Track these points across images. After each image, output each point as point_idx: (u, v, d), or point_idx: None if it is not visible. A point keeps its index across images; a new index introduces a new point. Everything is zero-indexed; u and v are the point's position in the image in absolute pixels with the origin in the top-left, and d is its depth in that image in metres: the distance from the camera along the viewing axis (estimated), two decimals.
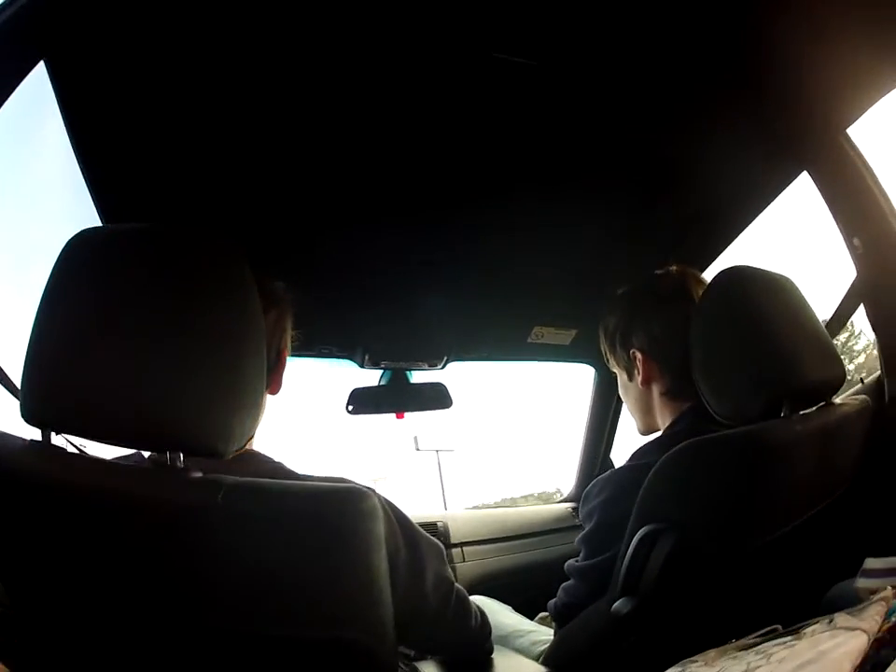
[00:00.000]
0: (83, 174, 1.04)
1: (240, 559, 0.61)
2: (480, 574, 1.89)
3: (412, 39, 0.93)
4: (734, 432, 0.89)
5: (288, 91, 0.98)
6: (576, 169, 1.24)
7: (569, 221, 1.39)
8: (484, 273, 1.53)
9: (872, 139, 1.13)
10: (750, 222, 1.41)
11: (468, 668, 1.05)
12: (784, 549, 0.94)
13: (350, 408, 1.78)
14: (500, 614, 1.48)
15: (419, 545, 0.83)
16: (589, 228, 1.42)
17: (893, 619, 0.59)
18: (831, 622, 0.61)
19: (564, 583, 1.14)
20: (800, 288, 0.99)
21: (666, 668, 0.70)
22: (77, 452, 0.65)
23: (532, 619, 1.50)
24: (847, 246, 1.14)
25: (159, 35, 0.87)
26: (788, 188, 1.32)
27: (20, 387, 0.61)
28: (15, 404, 0.63)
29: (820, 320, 1.01)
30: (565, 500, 2.29)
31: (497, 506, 2.45)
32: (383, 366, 1.78)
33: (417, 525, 0.84)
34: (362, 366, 1.76)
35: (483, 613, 1.02)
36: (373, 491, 0.71)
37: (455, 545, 1.92)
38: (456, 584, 0.92)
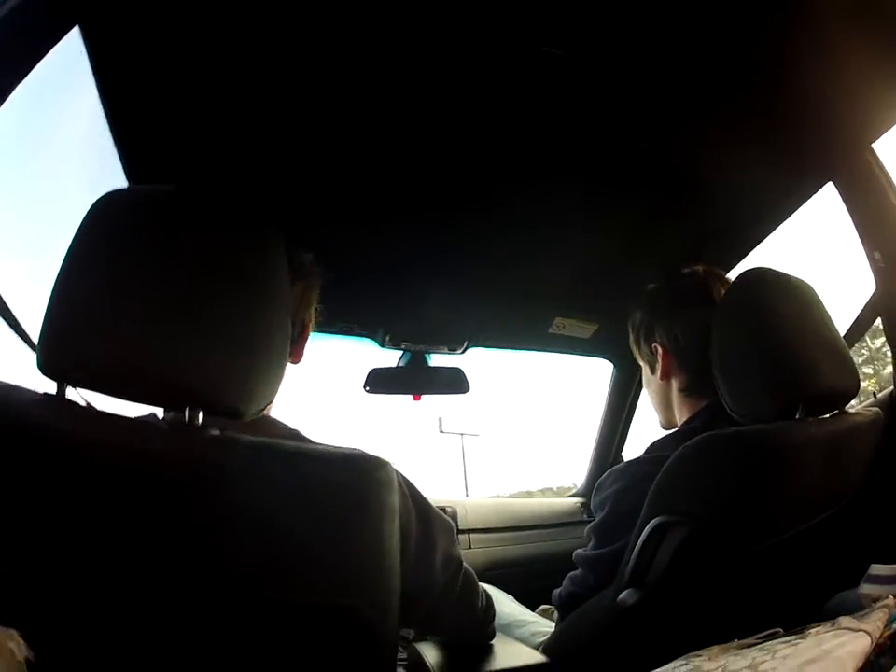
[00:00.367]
0: (113, 137, 1.03)
1: (251, 519, 0.61)
2: (484, 562, 1.90)
3: (453, 33, 0.93)
4: (748, 429, 0.89)
5: (330, 69, 0.98)
6: (603, 168, 1.24)
7: (595, 217, 1.39)
8: (509, 262, 1.53)
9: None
10: (775, 228, 1.41)
11: (466, 652, 1.04)
12: (790, 553, 0.94)
13: (367, 387, 1.79)
14: (502, 603, 1.47)
15: (431, 522, 0.84)
16: (615, 225, 1.42)
17: (894, 626, 0.59)
18: (834, 623, 0.61)
19: (570, 573, 1.15)
20: (819, 295, 0.99)
21: (667, 662, 0.70)
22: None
23: (533, 610, 1.51)
24: (868, 259, 1.15)
25: None
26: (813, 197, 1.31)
27: (37, 340, 0.60)
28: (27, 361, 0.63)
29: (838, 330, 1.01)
30: (574, 495, 2.28)
31: (511, 496, 2.45)
32: (403, 347, 1.78)
33: (430, 503, 0.85)
34: (382, 346, 1.76)
35: (489, 596, 1.03)
36: (390, 465, 0.71)
37: (463, 531, 1.93)
38: (465, 564, 0.93)
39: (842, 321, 1.06)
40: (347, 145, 1.15)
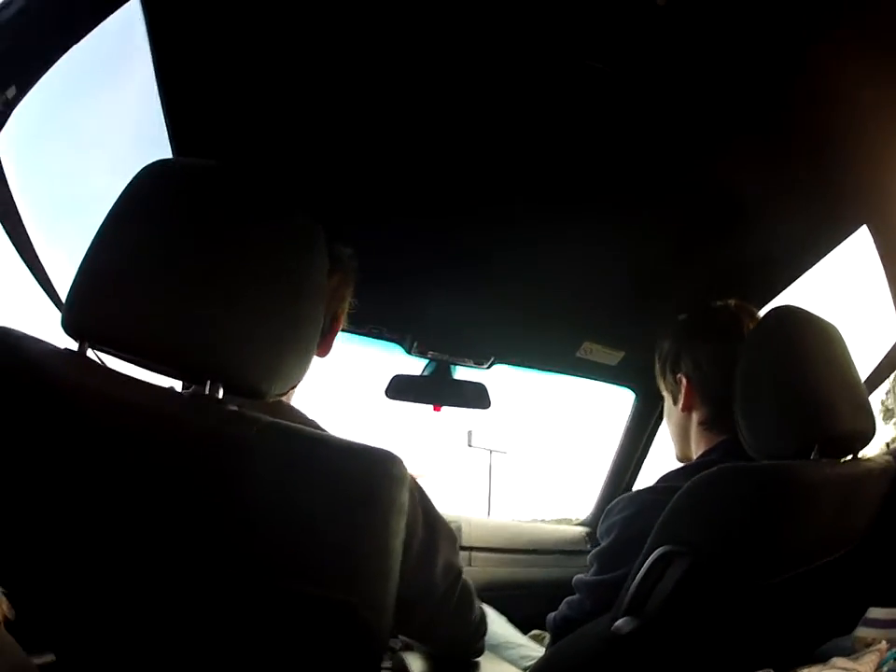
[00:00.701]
0: (163, 110, 1.04)
1: (260, 497, 0.61)
2: (483, 581, 1.88)
3: (506, 43, 0.94)
4: (763, 464, 0.89)
5: (388, 70, 0.99)
6: (638, 195, 1.25)
7: (628, 244, 1.40)
8: (542, 282, 1.55)
9: None
10: (807, 269, 1.42)
11: (451, 666, 1.04)
12: (790, 594, 0.93)
13: (389, 393, 1.80)
14: (494, 623, 1.48)
15: (437, 528, 0.84)
16: (647, 252, 1.43)
17: (884, 669, 0.58)
18: (827, 663, 0.60)
19: (568, 598, 1.13)
20: (844, 339, 1.00)
21: None
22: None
23: (525, 634, 1.49)
24: None
25: None
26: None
27: (65, 300, 0.61)
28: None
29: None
30: (581, 524, 2.27)
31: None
32: (429, 356, 1.79)
33: (436, 507, 0.85)
34: (409, 352, 1.77)
35: (482, 612, 1.02)
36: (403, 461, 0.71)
37: (466, 548, 1.92)
38: (464, 576, 0.92)
39: (862, 367, 1.06)
40: (397, 150, 1.16)
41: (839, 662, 0.62)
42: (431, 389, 1.83)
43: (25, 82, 0.82)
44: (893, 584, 0.94)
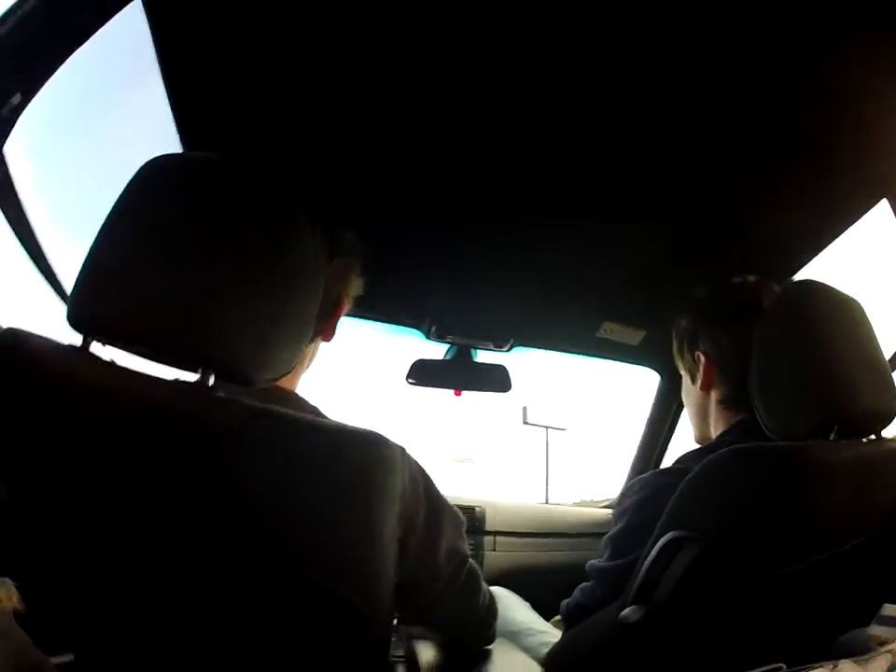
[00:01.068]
0: (170, 104, 1.04)
1: (245, 485, 0.61)
2: (508, 567, 1.89)
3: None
4: (779, 444, 0.87)
5: (396, 57, 0.98)
6: (657, 178, 1.23)
7: (646, 223, 1.38)
8: (560, 262, 1.53)
9: None
10: (829, 244, 1.37)
11: (463, 655, 1.04)
12: (806, 583, 0.89)
13: (410, 378, 1.80)
14: (515, 609, 1.48)
15: (441, 512, 0.83)
16: (666, 231, 1.41)
17: None
18: (834, 667, 0.58)
19: (582, 584, 1.13)
20: (867, 314, 0.95)
21: None
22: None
23: (548, 620, 1.48)
24: None
25: None
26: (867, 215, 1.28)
27: (70, 294, 0.63)
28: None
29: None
30: (609, 506, 2.24)
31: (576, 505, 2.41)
32: (448, 340, 1.79)
33: (441, 493, 0.84)
34: (428, 337, 1.77)
35: (492, 597, 1.02)
36: (403, 449, 0.72)
37: (489, 533, 1.92)
38: (471, 560, 0.92)
39: (888, 345, 1.01)
40: (408, 136, 1.15)
41: (846, 668, 0.60)
42: (451, 373, 1.83)
43: (30, 88, 0.85)
44: None
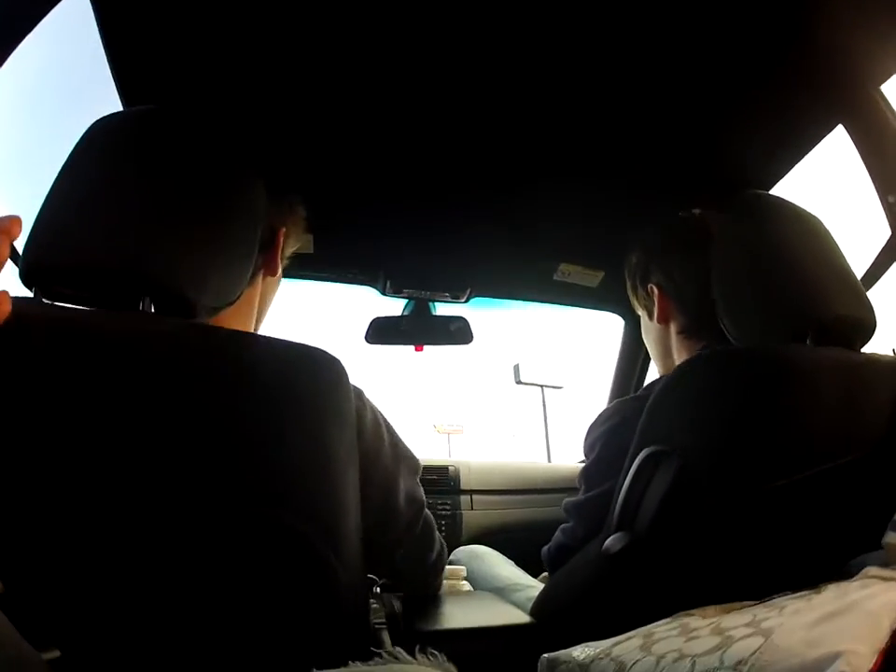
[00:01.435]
0: (110, 64, 1.02)
1: (184, 405, 0.60)
2: (487, 525, 1.87)
3: None
4: (753, 346, 0.84)
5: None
6: (607, 110, 1.18)
7: (598, 161, 1.33)
8: (512, 205, 1.48)
9: None
10: (785, 173, 1.34)
11: (447, 608, 1.00)
12: (802, 502, 0.84)
13: (368, 338, 1.76)
14: (499, 566, 1.46)
15: (399, 454, 0.83)
16: (619, 168, 1.36)
17: None
18: (860, 574, 0.51)
19: (561, 525, 1.10)
20: (830, 232, 0.93)
21: (657, 620, 0.64)
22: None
23: (535, 577, 1.44)
24: (882, 204, 1.13)
25: None
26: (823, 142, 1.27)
27: (21, 252, 0.63)
28: None
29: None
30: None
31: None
32: (405, 294, 1.74)
33: (401, 437, 0.84)
34: (384, 293, 1.72)
35: (443, 545, 1.01)
36: (361, 392, 0.74)
37: (465, 492, 1.90)
38: (426, 509, 0.91)
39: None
40: (350, 92, 1.11)
41: (873, 571, 0.54)
42: (411, 329, 1.78)
43: None
44: None
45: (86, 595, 0.58)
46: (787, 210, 0.90)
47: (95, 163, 0.67)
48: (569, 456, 2.72)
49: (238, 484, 0.60)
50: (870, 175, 1.13)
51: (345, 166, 1.31)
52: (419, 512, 0.88)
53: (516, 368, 2.91)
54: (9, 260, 0.92)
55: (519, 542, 1.70)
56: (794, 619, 0.45)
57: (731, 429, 0.79)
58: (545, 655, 0.68)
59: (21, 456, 0.56)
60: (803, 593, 0.54)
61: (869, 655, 0.37)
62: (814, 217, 0.93)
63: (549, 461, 2.47)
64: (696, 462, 0.79)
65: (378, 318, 1.75)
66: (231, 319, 0.76)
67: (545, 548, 1.12)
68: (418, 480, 0.89)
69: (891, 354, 1.05)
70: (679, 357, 1.09)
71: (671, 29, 0.98)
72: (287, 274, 0.97)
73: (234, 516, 0.60)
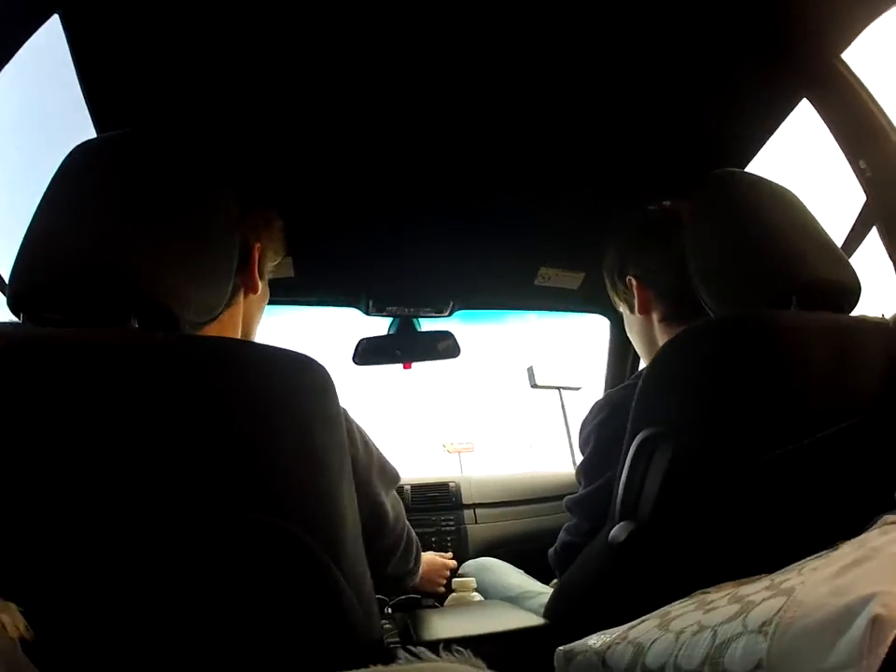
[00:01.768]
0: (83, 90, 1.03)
1: (170, 412, 0.58)
2: (495, 537, 1.86)
3: None
4: (731, 314, 0.82)
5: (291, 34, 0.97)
6: (571, 108, 1.19)
7: (567, 161, 1.34)
8: (488, 213, 1.48)
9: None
10: (756, 152, 1.35)
11: (461, 615, 1.00)
12: (803, 471, 0.81)
13: (356, 359, 1.75)
14: (509, 576, 1.45)
15: (382, 466, 0.85)
16: (588, 167, 1.37)
17: None
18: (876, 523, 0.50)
19: (565, 524, 1.09)
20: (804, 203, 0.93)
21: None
22: None
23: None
24: (854, 171, 1.13)
25: None
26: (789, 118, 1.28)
27: (8, 280, 0.63)
28: None
29: None
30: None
31: None
32: (387, 312, 1.74)
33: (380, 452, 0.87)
34: (367, 313, 1.72)
35: (419, 546, 1.05)
36: (345, 411, 0.73)
37: (468, 506, 1.90)
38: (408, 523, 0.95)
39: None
40: (322, 110, 1.12)
41: (891, 517, 0.53)
42: (398, 347, 1.78)
43: None
44: None
45: (88, 613, 0.57)
46: (761, 184, 0.90)
47: (75, 187, 0.67)
48: None
49: (235, 491, 0.59)
50: (838, 143, 1.14)
51: (321, 187, 1.32)
52: (403, 524, 0.92)
53: (530, 371, 2.78)
54: None
55: (526, 552, 1.71)
56: (815, 574, 0.43)
57: (718, 402, 0.77)
58: (560, 648, 0.65)
59: (21, 474, 0.55)
60: (819, 553, 0.52)
61: None
62: (788, 189, 0.92)
63: (574, 463, 2.45)
64: (690, 440, 0.77)
65: (364, 339, 1.74)
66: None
67: (551, 549, 1.11)
68: (394, 491, 0.92)
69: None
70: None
71: (632, 16, 0.99)
72: (271, 301, 0.98)
73: (232, 523, 0.59)
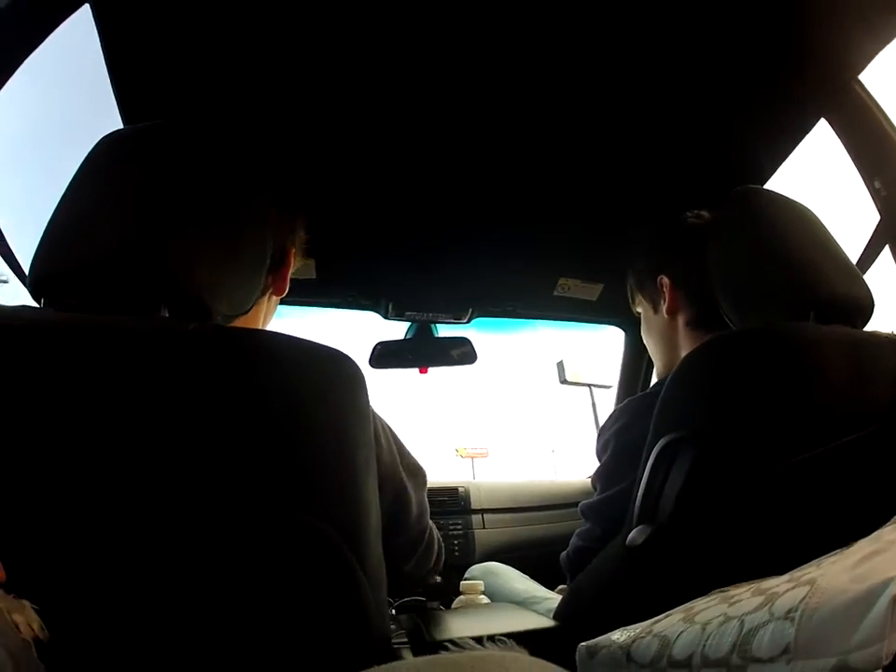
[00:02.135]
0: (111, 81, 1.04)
1: (201, 402, 0.58)
2: (503, 542, 1.88)
3: None
4: (760, 326, 0.85)
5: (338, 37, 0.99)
6: (595, 122, 1.22)
7: (591, 173, 1.37)
8: (509, 224, 1.51)
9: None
10: (774, 171, 1.38)
11: (470, 618, 0.98)
12: (821, 477, 0.83)
13: (372, 362, 1.77)
14: (516, 581, 1.45)
15: (409, 465, 0.85)
16: (611, 180, 1.40)
17: None
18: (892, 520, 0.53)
19: (577, 529, 1.10)
20: (821, 220, 0.96)
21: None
22: None
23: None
24: (869, 191, 1.16)
25: None
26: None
27: (30, 266, 0.63)
28: None
29: None
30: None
31: None
32: (407, 317, 1.77)
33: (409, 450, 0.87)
34: (386, 317, 1.75)
35: (441, 547, 1.04)
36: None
37: (476, 511, 1.91)
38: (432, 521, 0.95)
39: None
40: (354, 111, 1.14)
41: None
42: (415, 352, 1.80)
43: None
44: None
45: (105, 609, 0.56)
46: (781, 202, 0.93)
47: (104, 176, 0.67)
48: None
49: (272, 488, 0.59)
50: (854, 162, 1.16)
51: (347, 191, 1.34)
52: (427, 522, 0.92)
53: (560, 366, 2.68)
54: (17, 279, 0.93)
55: (532, 558, 1.72)
56: (834, 567, 0.46)
57: (741, 409, 0.79)
58: (582, 644, 0.66)
59: (46, 462, 0.55)
60: (836, 551, 0.55)
61: None
62: (806, 207, 0.95)
63: None
64: (712, 445, 0.79)
65: (381, 342, 1.77)
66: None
67: (563, 554, 1.12)
68: (425, 493, 0.92)
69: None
70: (685, 349, 1.09)
71: (658, 39, 1.03)
72: (291, 301, 0.98)
73: (265, 520, 0.58)
